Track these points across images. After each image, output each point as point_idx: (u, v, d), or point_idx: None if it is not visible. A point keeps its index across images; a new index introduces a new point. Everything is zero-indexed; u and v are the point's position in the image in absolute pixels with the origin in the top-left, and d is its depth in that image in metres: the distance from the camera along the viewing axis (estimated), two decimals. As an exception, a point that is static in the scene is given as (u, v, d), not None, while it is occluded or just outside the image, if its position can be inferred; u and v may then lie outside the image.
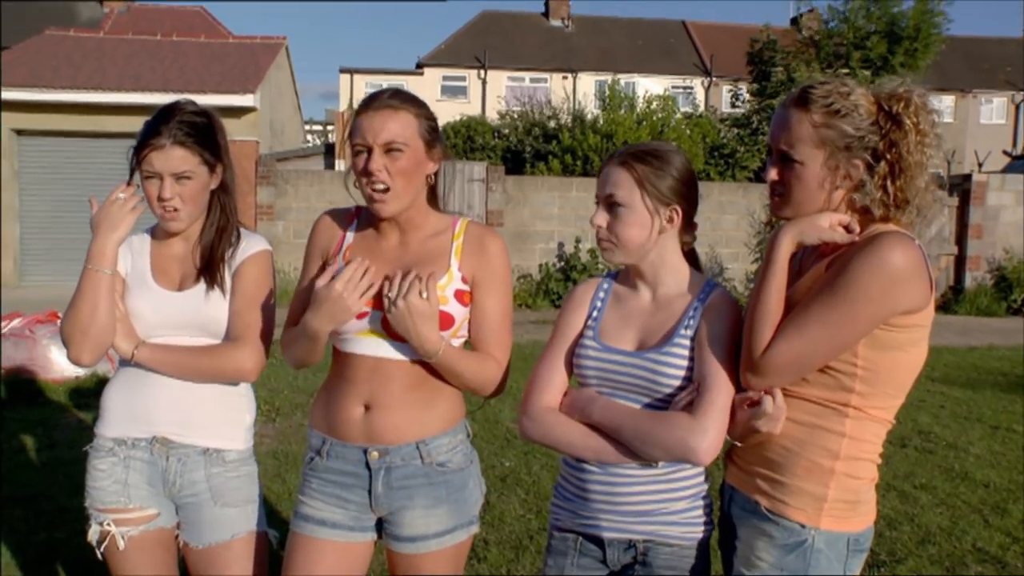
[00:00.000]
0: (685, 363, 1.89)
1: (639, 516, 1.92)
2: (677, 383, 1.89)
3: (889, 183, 1.78)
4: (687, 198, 1.98)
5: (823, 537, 1.81)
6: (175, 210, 2.19)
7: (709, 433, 1.81)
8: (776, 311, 1.80)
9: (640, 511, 1.92)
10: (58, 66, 15.31)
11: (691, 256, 2.06)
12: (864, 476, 1.84)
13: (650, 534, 1.93)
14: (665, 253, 1.98)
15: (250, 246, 2.30)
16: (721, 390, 1.84)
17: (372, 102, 2.04)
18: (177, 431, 2.23)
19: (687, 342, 1.91)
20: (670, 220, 1.96)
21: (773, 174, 1.88)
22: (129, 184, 2.22)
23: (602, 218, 1.98)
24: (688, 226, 2.01)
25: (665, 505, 1.92)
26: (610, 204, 1.97)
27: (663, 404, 1.90)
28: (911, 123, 1.77)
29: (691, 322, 1.92)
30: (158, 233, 2.32)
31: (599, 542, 1.98)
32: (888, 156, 1.78)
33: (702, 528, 1.96)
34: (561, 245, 13.98)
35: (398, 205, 2.04)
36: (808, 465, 1.81)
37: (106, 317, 2.17)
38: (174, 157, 2.16)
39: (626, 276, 2.07)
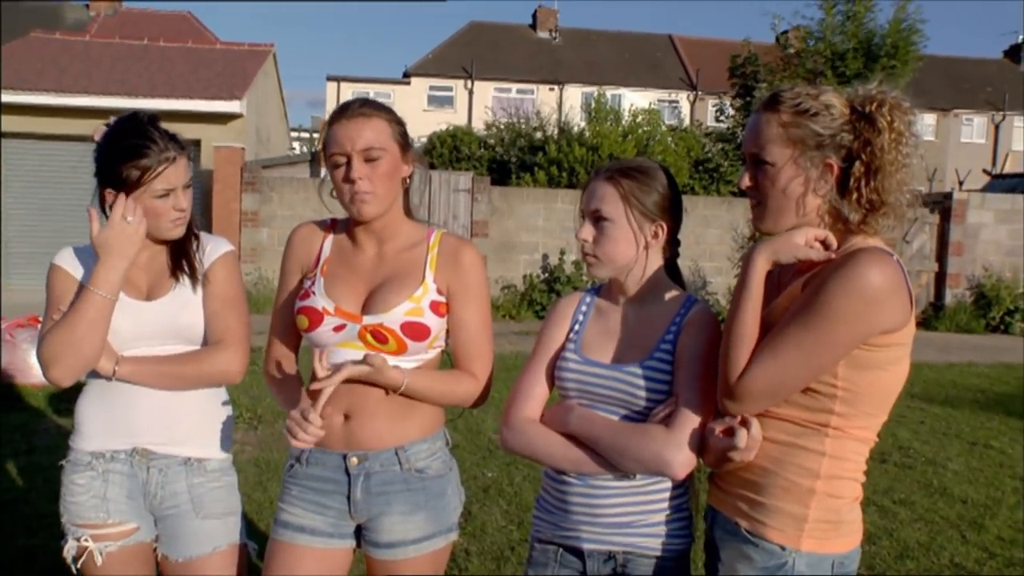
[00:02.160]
0: (664, 377, 1.91)
1: (618, 528, 1.93)
2: (656, 397, 1.90)
3: (863, 184, 1.73)
4: (672, 214, 2.00)
5: (804, 559, 1.75)
6: (185, 217, 2.20)
7: (684, 447, 1.83)
8: (751, 334, 1.76)
9: (619, 523, 1.93)
10: (43, 69, 15.22)
11: (674, 271, 2.08)
12: (846, 495, 1.78)
13: (629, 546, 1.94)
14: (648, 268, 2.01)
15: (216, 248, 2.29)
16: (698, 405, 1.85)
17: (344, 112, 2.06)
18: (159, 441, 2.20)
19: (667, 356, 1.92)
20: (655, 236, 1.99)
21: (746, 180, 1.86)
22: (125, 198, 2.11)
23: (588, 232, 2.00)
24: (672, 242, 2.04)
25: (644, 517, 1.93)
26: (596, 219, 1.99)
27: (641, 417, 1.91)
28: (885, 122, 1.72)
29: (670, 337, 1.94)
30: None
31: (579, 554, 1.99)
32: (863, 156, 1.74)
33: (681, 540, 1.97)
34: (546, 257, 14.00)
35: (379, 207, 2.06)
36: (787, 485, 1.76)
37: (100, 342, 2.09)
38: (182, 167, 2.17)
39: (609, 291, 2.09)
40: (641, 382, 1.91)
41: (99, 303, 2.07)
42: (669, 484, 1.95)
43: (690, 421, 1.84)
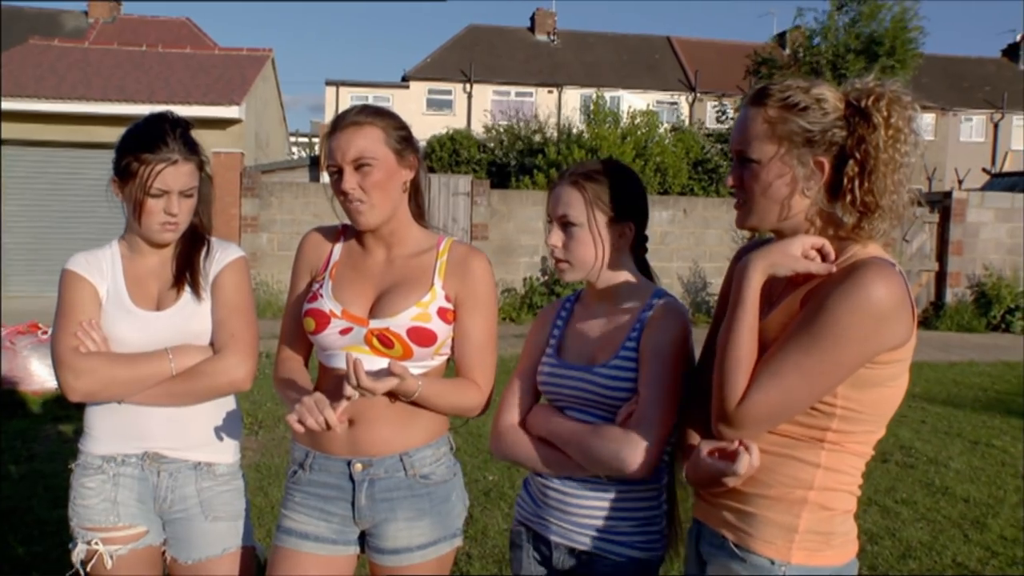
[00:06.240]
0: (631, 375, 1.92)
1: (588, 529, 1.96)
2: (625, 395, 1.92)
3: (857, 185, 1.60)
4: (638, 213, 2.03)
5: (795, 572, 1.66)
6: (176, 224, 2.17)
7: (642, 446, 1.83)
8: (749, 356, 1.64)
9: (589, 524, 1.96)
10: (42, 76, 15.22)
11: (643, 266, 2.11)
12: (838, 507, 1.69)
13: (595, 548, 1.96)
14: (619, 268, 2.03)
15: (227, 254, 2.28)
16: (658, 404, 1.86)
17: (339, 122, 2.07)
18: (170, 446, 2.20)
19: (632, 354, 1.94)
20: (622, 236, 2.01)
21: (730, 179, 1.74)
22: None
23: (557, 238, 2.01)
24: (639, 238, 2.06)
25: (615, 523, 1.95)
26: (564, 224, 2.00)
27: (614, 418, 1.93)
28: (881, 118, 1.59)
29: (635, 334, 1.95)
30: (134, 244, 2.25)
31: (546, 542, 2.03)
32: (857, 154, 1.61)
33: (648, 552, 1.97)
34: (545, 259, 13.98)
35: (378, 216, 2.06)
36: (777, 495, 1.67)
37: (132, 393, 2.15)
38: (184, 173, 2.14)
39: (586, 294, 2.13)
40: (608, 382, 1.93)
41: (164, 371, 2.14)
42: (646, 494, 1.96)
43: (650, 420, 1.85)
